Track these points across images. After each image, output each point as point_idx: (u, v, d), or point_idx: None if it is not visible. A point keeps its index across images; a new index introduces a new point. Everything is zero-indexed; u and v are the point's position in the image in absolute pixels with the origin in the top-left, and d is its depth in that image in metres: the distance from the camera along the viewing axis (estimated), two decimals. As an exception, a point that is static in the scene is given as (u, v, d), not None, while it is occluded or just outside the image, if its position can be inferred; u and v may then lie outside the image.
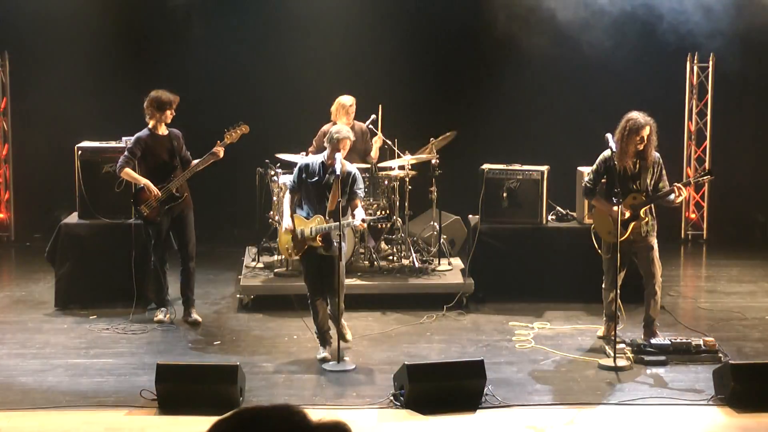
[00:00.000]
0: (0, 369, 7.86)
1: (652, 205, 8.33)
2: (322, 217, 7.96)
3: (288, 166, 10.20)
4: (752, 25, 12.56)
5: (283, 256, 9.32)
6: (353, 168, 8.20)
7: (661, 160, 8.36)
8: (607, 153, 8.26)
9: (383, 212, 8.57)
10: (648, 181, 8.27)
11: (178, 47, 12.41)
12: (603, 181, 8.38)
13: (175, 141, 9.09)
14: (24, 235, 12.76)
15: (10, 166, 12.86)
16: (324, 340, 8.19)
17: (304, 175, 8.10)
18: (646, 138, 8.14)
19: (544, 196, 10.14)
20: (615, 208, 8.02)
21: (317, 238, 7.93)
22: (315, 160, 8.16)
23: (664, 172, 8.37)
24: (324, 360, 8.03)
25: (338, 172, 7.88)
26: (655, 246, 8.39)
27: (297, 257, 8.28)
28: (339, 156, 7.94)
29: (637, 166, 8.26)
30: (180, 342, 8.70)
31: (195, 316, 9.20)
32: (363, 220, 8.02)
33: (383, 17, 12.77)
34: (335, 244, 7.88)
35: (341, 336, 8.10)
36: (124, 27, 12.58)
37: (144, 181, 8.91)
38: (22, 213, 12.87)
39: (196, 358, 8.14)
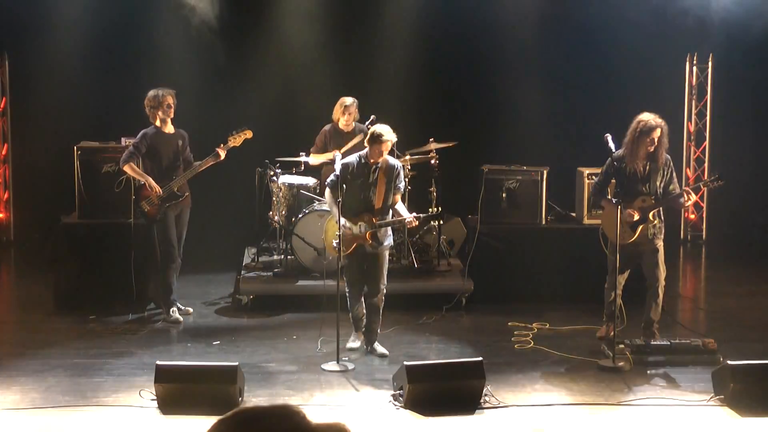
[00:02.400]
0: (-1, 369, 7.88)
1: (661, 208, 8.31)
2: (370, 214, 8.07)
3: (288, 167, 10.20)
4: (752, 25, 12.57)
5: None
6: (397, 162, 8.33)
7: (671, 162, 8.34)
8: (615, 154, 8.24)
9: (432, 210, 8.64)
10: (658, 183, 8.24)
11: (178, 48, 12.41)
12: (613, 182, 8.37)
13: (180, 140, 9.09)
14: (23, 235, 12.76)
15: (9, 166, 12.86)
16: (358, 327, 8.36)
17: (349, 175, 8.11)
18: (657, 140, 8.12)
19: (544, 196, 10.16)
20: (631, 211, 8.05)
21: (367, 235, 8.03)
22: (357, 158, 8.20)
23: (674, 174, 8.36)
24: (353, 349, 8.23)
25: (338, 172, 7.97)
26: (661, 249, 8.38)
27: (346, 253, 8.19)
28: (339, 156, 8.12)
29: (647, 168, 8.23)
30: (179, 342, 8.70)
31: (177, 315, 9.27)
32: (416, 217, 8.17)
33: (384, 18, 12.76)
34: (382, 241, 8.13)
35: (373, 351, 8.27)
36: (123, 27, 12.57)
37: (146, 178, 8.91)
38: (21, 213, 12.87)
39: (195, 358, 8.14)
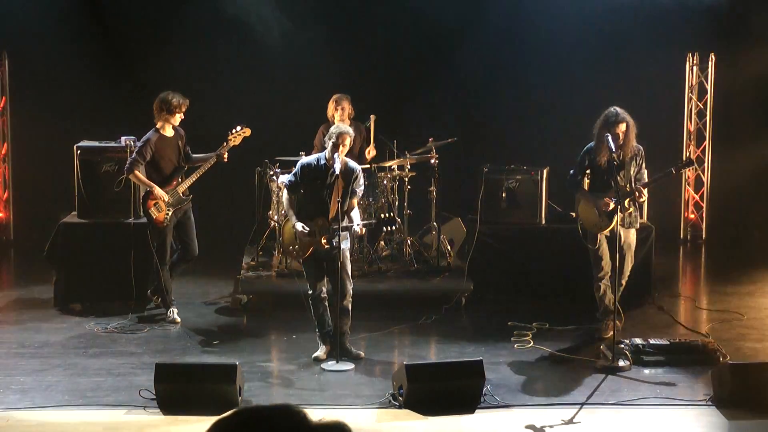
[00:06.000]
0: (-1, 368, 7.87)
1: (636, 195, 8.39)
2: (324, 218, 7.93)
3: (287, 167, 10.19)
4: (752, 24, 12.57)
5: (288, 256, 9.24)
6: (356, 165, 8.16)
7: (642, 152, 8.51)
8: (590, 145, 8.48)
9: (384, 216, 8.52)
10: (632, 173, 8.43)
11: (178, 48, 12.41)
12: (587, 173, 8.52)
13: (179, 140, 9.08)
14: (23, 235, 12.75)
15: (9, 166, 12.86)
16: (323, 339, 8.18)
17: (306, 176, 8.06)
18: (622, 134, 8.28)
19: (544, 196, 10.16)
20: (606, 200, 8.22)
21: (322, 239, 7.90)
22: (317, 159, 8.12)
23: (644, 164, 8.52)
24: (317, 359, 8.02)
25: (337, 172, 7.87)
26: (635, 239, 8.58)
27: (302, 258, 8.16)
28: (337, 156, 7.92)
29: (620, 157, 8.37)
30: (179, 341, 8.70)
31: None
32: (365, 225, 8.03)
33: (383, 17, 12.76)
34: (342, 243, 7.87)
35: (346, 352, 8.07)
36: (124, 27, 12.57)
37: (152, 186, 8.87)
38: (21, 212, 12.87)
39: (194, 357, 8.14)
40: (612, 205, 8.27)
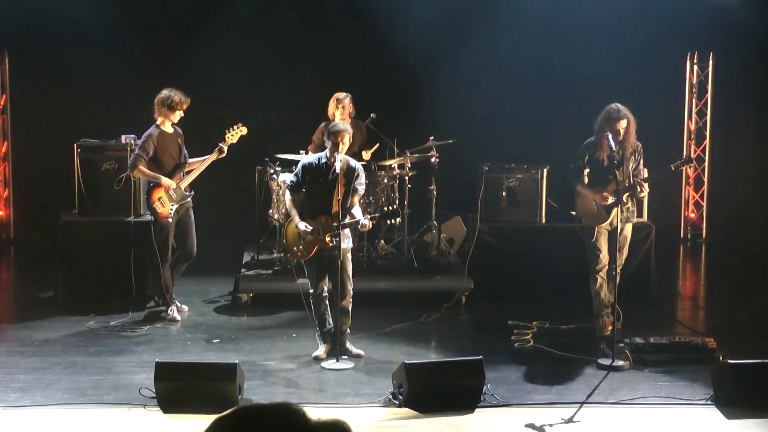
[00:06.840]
0: (-1, 366, 7.87)
1: (637, 190, 8.43)
2: (327, 216, 7.93)
3: (288, 165, 10.20)
4: (753, 23, 12.56)
5: (292, 256, 9.20)
6: (357, 164, 8.16)
7: (641, 148, 8.57)
8: (590, 140, 8.53)
9: (388, 208, 8.49)
10: (630, 168, 8.50)
11: (178, 46, 12.41)
12: (587, 170, 8.57)
13: (179, 138, 9.11)
14: (23, 233, 12.75)
15: (9, 164, 12.87)
16: (323, 338, 8.19)
17: (307, 176, 8.06)
18: (623, 131, 8.35)
19: (544, 194, 10.17)
20: (606, 194, 8.29)
21: (326, 237, 7.90)
22: (317, 158, 8.11)
23: (642, 160, 8.59)
24: (317, 358, 8.04)
25: (338, 171, 7.86)
26: (630, 234, 8.60)
27: (306, 258, 8.13)
28: (338, 155, 7.91)
29: (620, 154, 8.42)
30: (179, 340, 8.71)
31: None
32: (370, 219, 8.05)
33: (383, 16, 12.76)
34: (343, 243, 7.87)
35: (346, 352, 8.09)
36: (123, 25, 12.57)
37: (158, 177, 8.90)
38: (21, 211, 12.88)
39: (194, 356, 8.14)
40: (611, 200, 8.31)
